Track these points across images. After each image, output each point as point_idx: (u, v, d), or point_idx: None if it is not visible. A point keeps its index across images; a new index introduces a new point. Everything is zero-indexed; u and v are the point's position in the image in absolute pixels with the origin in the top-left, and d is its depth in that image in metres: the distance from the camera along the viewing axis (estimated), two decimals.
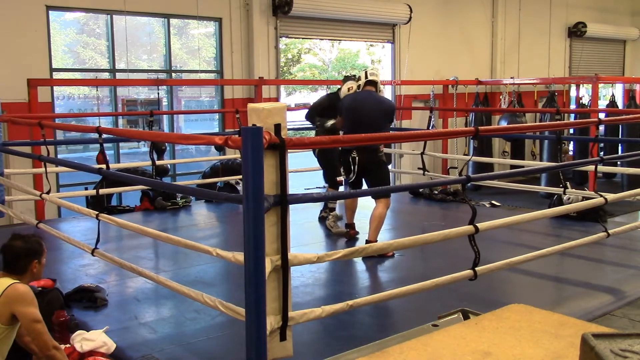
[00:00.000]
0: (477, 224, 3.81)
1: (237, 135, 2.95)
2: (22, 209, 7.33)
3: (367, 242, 5.64)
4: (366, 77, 6.13)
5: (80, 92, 9.94)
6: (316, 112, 7.03)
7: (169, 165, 9.19)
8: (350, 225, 6.51)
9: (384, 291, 3.86)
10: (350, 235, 6.47)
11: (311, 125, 7.50)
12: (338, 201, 7.40)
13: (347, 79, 6.82)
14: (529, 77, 12.33)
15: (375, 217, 5.85)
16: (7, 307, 3.18)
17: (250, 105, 2.98)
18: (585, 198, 6.33)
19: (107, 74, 9.31)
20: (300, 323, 3.17)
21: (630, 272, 5.47)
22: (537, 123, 10.84)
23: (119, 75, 9.17)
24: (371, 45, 17.57)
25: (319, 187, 9.47)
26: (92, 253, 4.52)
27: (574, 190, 7.35)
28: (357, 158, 5.78)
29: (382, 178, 6.06)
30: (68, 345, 3.67)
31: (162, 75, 9.80)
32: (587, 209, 5.72)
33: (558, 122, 9.00)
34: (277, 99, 10.48)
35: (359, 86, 6.25)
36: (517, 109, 11.63)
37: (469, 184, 5.05)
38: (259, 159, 2.75)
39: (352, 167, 5.83)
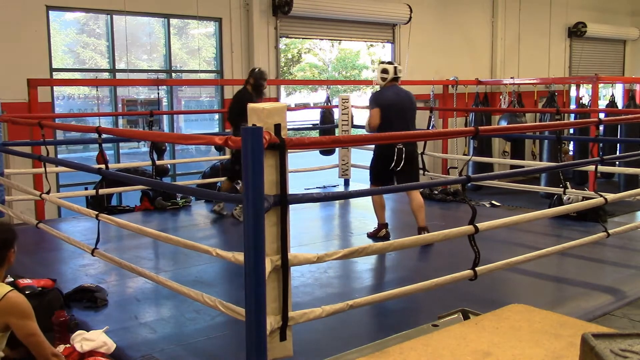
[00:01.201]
0: (477, 224, 3.82)
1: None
2: (22, 209, 7.33)
3: (421, 228, 5.97)
4: (395, 73, 6.30)
5: (80, 92, 9.94)
6: (235, 113, 6.88)
7: (169, 165, 9.19)
8: (385, 225, 6.38)
9: (384, 291, 3.85)
10: (385, 235, 6.32)
11: (310, 125, 7.47)
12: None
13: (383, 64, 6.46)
14: (529, 77, 12.31)
15: (418, 207, 6.10)
16: (2, 318, 3.14)
17: (250, 105, 2.99)
18: (585, 198, 6.33)
19: (107, 74, 9.31)
20: (300, 323, 3.17)
21: (630, 272, 5.47)
22: (537, 123, 10.83)
23: (119, 75, 9.17)
24: (371, 45, 17.60)
25: (319, 187, 9.49)
26: (92, 253, 4.53)
27: (574, 190, 7.34)
28: (403, 149, 5.96)
29: (418, 171, 6.33)
30: (68, 345, 3.66)
31: (162, 75, 9.79)
32: (587, 209, 5.73)
33: (558, 122, 8.99)
34: (277, 99, 10.48)
35: (383, 79, 6.28)
36: (517, 109, 11.62)
37: (469, 184, 5.05)
38: (259, 159, 2.75)
39: (400, 157, 5.97)
